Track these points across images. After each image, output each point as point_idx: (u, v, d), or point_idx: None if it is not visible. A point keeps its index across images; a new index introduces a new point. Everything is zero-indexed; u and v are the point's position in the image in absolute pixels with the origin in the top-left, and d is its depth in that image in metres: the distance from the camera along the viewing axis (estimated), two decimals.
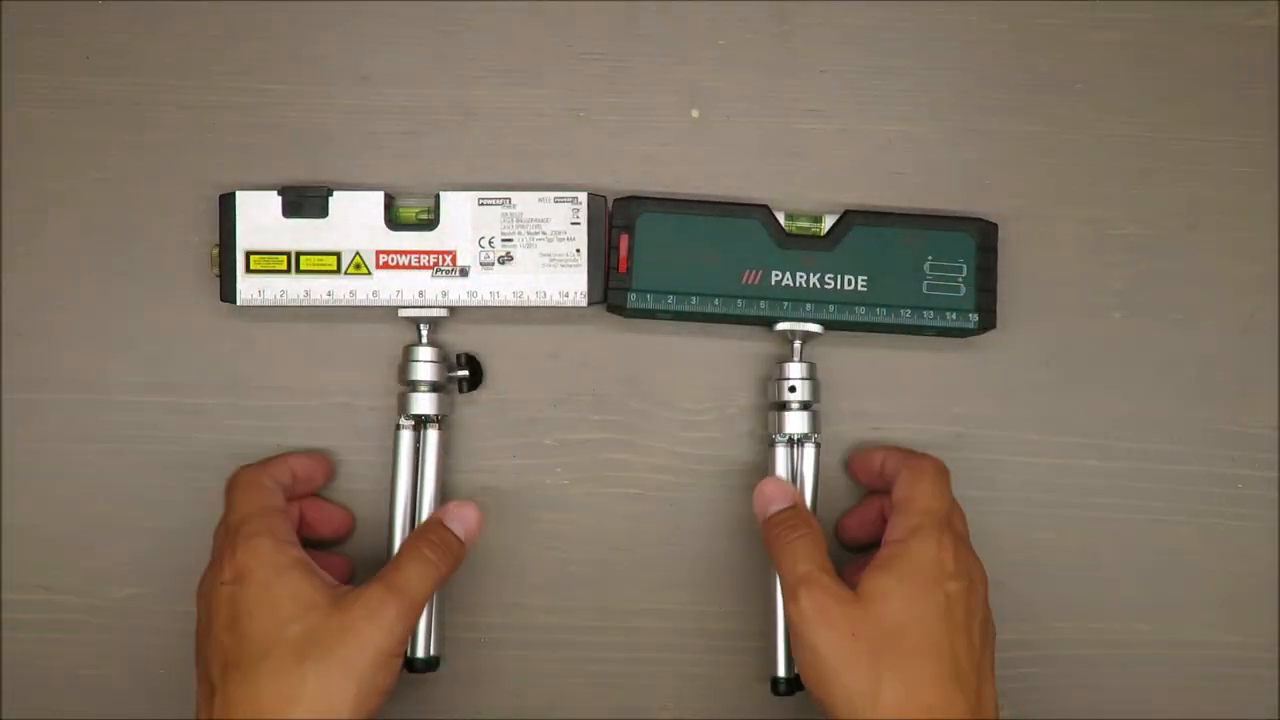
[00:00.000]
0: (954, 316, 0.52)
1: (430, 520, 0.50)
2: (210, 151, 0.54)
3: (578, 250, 0.51)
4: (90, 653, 0.53)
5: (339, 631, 0.44)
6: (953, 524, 0.48)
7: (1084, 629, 0.54)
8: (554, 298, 0.51)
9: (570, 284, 0.51)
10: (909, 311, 0.52)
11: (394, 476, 0.52)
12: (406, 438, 0.51)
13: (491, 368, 0.54)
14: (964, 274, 0.52)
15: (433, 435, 0.51)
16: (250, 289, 0.51)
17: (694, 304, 0.52)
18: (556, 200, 0.52)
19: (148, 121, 0.54)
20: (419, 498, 0.51)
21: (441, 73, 0.54)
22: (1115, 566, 0.54)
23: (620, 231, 0.52)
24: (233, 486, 0.49)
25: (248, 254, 0.51)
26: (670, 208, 0.52)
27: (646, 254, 0.52)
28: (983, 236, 0.52)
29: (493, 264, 0.51)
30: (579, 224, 0.51)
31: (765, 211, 0.52)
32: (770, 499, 0.50)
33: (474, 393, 0.53)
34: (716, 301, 0.52)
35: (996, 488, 0.54)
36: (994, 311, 0.52)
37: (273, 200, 0.51)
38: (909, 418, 0.54)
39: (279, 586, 0.45)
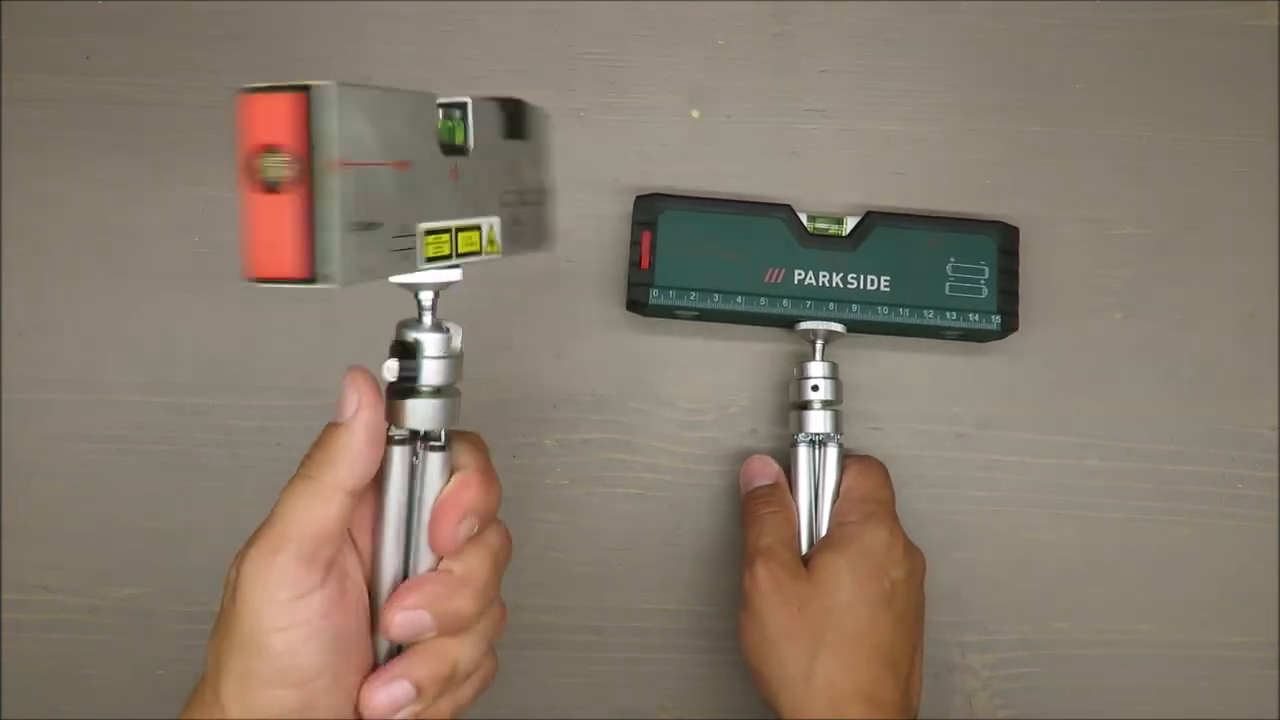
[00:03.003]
0: (976, 318, 0.52)
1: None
2: (209, 152, 0.54)
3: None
4: (90, 653, 0.53)
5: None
6: (897, 518, 0.49)
7: (1084, 629, 0.54)
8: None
9: None
10: (931, 312, 0.52)
11: (381, 506, 0.37)
12: (399, 457, 0.37)
13: (491, 366, 0.54)
14: (986, 276, 0.52)
15: (435, 461, 0.37)
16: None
17: (716, 302, 0.51)
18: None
19: (148, 121, 0.54)
20: (413, 536, 0.38)
21: (441, 73, 0.54)
22: (1115, 566, 0.54)
23: (643, 228, 0.52)
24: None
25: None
26: (693, 205, 0.52)
27: (669, 251, 0.52)
28: (1004, 239, 0.52)
29: None
30: None
31: (788, 211, 0.52)
32: (755, 474, 0.51)
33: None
34: (739, 300, 0.51)
35: (996, 488, 0.54)
36: (1016, 314, 0.52)
37: None
38: (909, 418, 0.54)
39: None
